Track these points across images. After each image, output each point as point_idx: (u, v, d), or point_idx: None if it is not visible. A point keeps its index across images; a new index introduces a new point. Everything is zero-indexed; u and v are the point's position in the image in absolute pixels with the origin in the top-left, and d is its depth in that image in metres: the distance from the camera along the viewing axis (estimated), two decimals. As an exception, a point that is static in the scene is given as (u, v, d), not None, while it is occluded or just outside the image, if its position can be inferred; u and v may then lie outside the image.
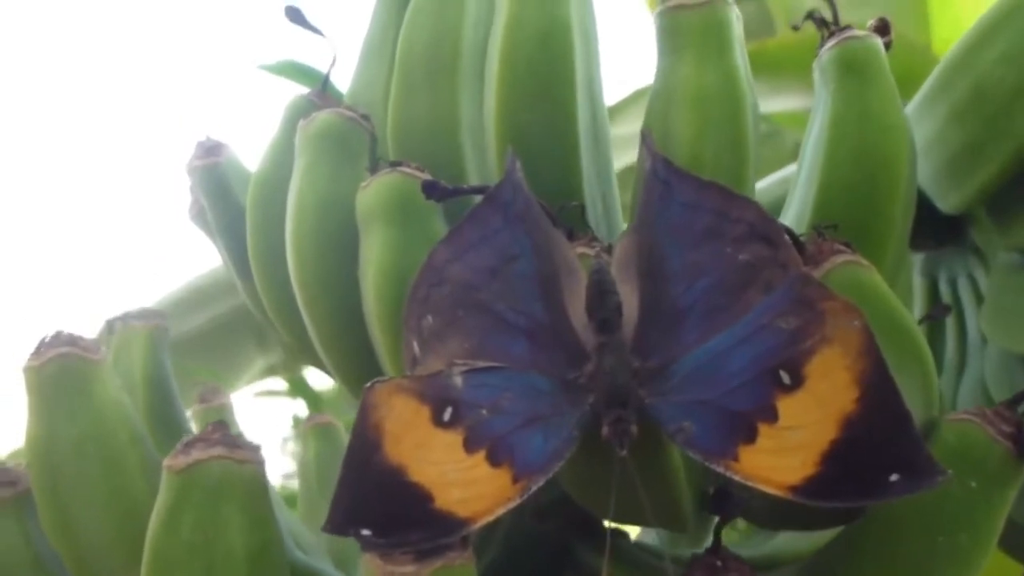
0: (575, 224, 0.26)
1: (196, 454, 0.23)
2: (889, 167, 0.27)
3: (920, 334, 0.26)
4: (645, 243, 0.23)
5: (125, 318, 0.37)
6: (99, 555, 0.27)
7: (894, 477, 0.21)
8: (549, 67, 0.26)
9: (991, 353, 0.41)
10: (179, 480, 0.23)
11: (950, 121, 0.34)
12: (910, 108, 0.36)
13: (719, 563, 0.24)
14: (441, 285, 0.23)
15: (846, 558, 0.27)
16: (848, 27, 0.29)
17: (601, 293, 0.22)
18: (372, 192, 0.26)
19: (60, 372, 0.27)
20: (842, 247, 0.25)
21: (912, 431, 0.21)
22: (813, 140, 0.28)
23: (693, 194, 0.23)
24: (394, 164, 0.26)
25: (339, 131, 0.29)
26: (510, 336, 0.23)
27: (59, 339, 0.28)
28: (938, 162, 0.35)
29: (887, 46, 0.31)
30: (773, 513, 0.30)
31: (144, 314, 0.37)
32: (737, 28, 0.26)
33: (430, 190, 0.24)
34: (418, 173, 0.26)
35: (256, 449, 0.24)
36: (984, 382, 0.42)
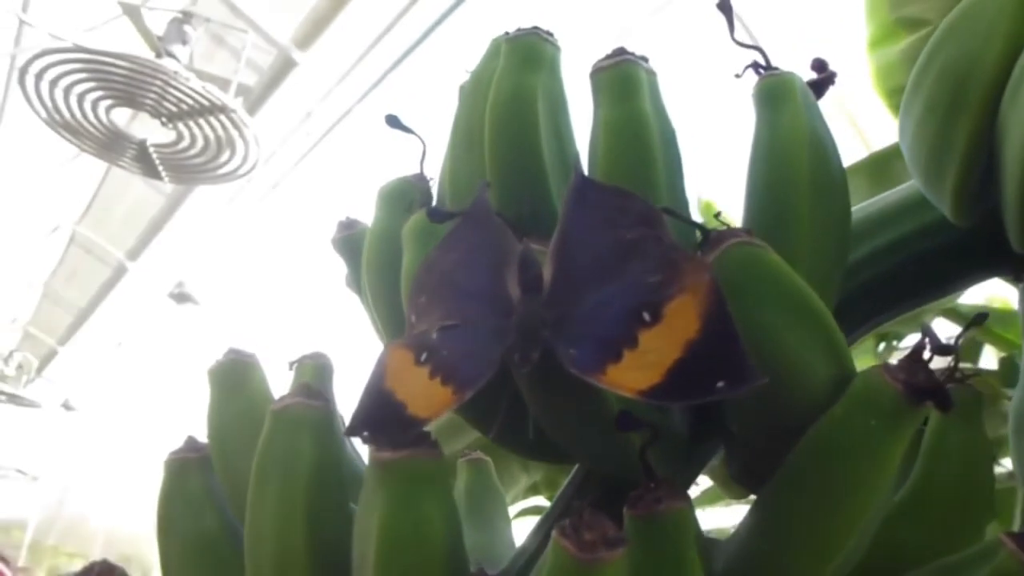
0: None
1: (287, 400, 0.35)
2: (787, 170, 0.34)
3: (815, 300, 0.32)
4: (563, 233, 0.32)
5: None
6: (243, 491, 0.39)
7: (721, 383, 0.27)
8: (517, 121, 0.36)
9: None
10: (272, 416, 0.35)
11: (914, 137, 0.38)
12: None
13: (651, 485, 0.31)
14: (431, 274, 0.34)
15: (774, 491, 0.32)
16: (775, 68, 0.37)
17: (523, 267, 0.32)
18: (408, 224, 0.37)
19: (228, 368, 0.42)
20: (742, 234, 0.32)
21: (738, 351, 0.28)
22: (748, 156, 0.36)
23: (598, 195, 0.32)
24: (420, 206, 0.37)
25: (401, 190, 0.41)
26: (468, 302, 0.33)
27: (230, 351, 0.42)
28: (922, 173, 0.40)
29: (826, 81, 0.38)
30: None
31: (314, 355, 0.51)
32: (645, 78, 0.35)
33: (433, 215, 0.35)
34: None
35: (324, 398, 0.36)
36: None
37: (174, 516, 0.40)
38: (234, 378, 0.42)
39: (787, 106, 0.35)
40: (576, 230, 0.32)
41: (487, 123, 0.36)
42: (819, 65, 0.38)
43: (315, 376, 0.49)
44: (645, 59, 0.35)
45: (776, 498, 0.32)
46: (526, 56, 0.37)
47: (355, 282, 0.50)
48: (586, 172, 0.35)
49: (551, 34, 0.38)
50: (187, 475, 0.41)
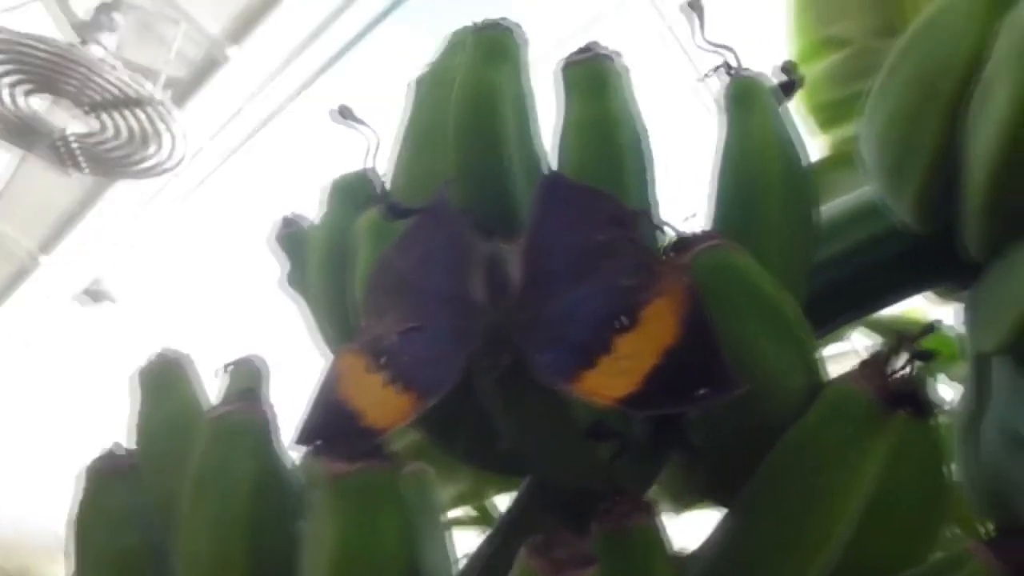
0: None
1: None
2: (758, 173, 0.33)
3: (792, 307, 0.31)
4: (533, 233, 0.31)
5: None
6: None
7: (702, 391, 0.26)
8: (483, 117, 0.34)
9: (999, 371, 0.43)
10: (210, 424, 0.32)
11: (879, 141, 0.38)
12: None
13: (618, 499, 0.30)
14: (388, 274, 0.32)
15: (748, 501, 0.31)
16: (744, 69, 0.36)
17: (490, 268, 0.30)
18: (361, 220, 0.35)
19: (158, 370, 0.39)
20: (713, 237, 0.31)
21: (718, 358, 0.27)
22: (715, 158, 0.35)
23: (569, 193, 0.31)
24: (376, 201, 0.35)
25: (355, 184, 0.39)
26: (429, 303, 0.31)
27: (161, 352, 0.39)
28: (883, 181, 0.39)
29: (792, 84, 0.37)
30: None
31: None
32: (615, 75, 0.34)
33: (391, 211, 0.33)
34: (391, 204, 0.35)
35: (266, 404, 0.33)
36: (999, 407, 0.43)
37: (91, 531, 0.37)
38: (165, 381, 0.39)
39: (758, 108, 0.34)
40: (547, 230, 0.31)
41: (452, 118, 0.35)
42: (786, 68, 0.37)
43: (250, 381, 0.46)
44: (617, 55, 0.34)
45: (751, 509, 0.31)
46: (492, 50, 0.35)
47: (297, 281, 0.47)
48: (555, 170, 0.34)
49: (518, 27, 0.36)
50: (108, 486, 0.38)
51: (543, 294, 0.29)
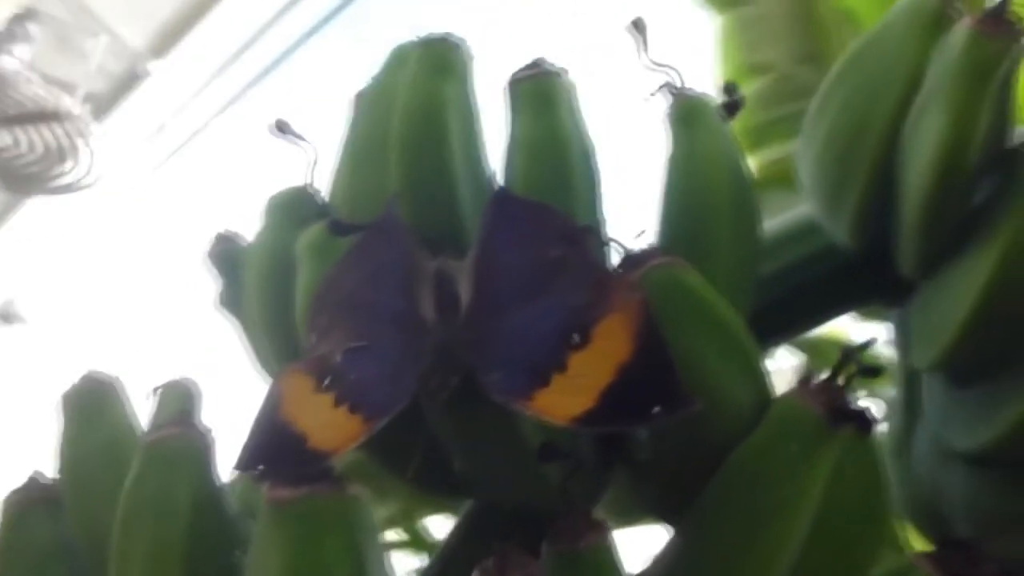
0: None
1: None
2: (708, 190, 0.33)
3: (740, 325, 0.31)
4: (482, 250, 0.30)
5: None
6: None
7: (657, 408, 0.26)
8: (429, 133, 0.34)
9: (930, 387, 0.44)
10: (144, 450, 0.31)
11: (816, 162, 0.39)
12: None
13: (570, 519, 0.29)
14: (333, 292, 0.31)
15: (696, 520, 0.31)
16: (687, 89, 0.36)
17: (438, 285, 0.29)
18: (303, 237, 0.34)
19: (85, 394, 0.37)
20: (662, 254, 0.31)
21: (673, 374, 0.26)
22: (661, 176, 0.35)
23: (519, 210, 0.31)
24: (321, 217, 0.34)
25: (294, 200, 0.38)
26: (376, 322, 0.30)
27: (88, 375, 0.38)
28: (820, 201, 0.40)
29: (735, 103, 0.38)
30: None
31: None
32: (564, 91, 0.34)
33: (335, 228, 0.32)
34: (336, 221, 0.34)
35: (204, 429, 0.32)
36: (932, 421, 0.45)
37: (12, 567, 0.35)
38: (92, 405, 0.37)
39: (704, 127, 0.34)
40: (496, 246, 0.30)
41: (397, 134, 0.34)
42: (728, 88, 0.38)
43: (181, 404, 0.44)
44: (565, 71, 0.34)
45: (699, 527, 0.31)
46: (439, 65, 0.35)
47: (232, 301, 0.45)
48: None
49: (464, 42, 0.36)
50: (30, 518, 0.36)
51: (494, 311, 0.29)
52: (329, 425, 0.28)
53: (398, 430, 0.29)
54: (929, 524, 0.43)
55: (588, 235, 0.30)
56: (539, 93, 0.33)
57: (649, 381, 0.27)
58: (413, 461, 0.31)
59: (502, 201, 0.31)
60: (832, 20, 1.41)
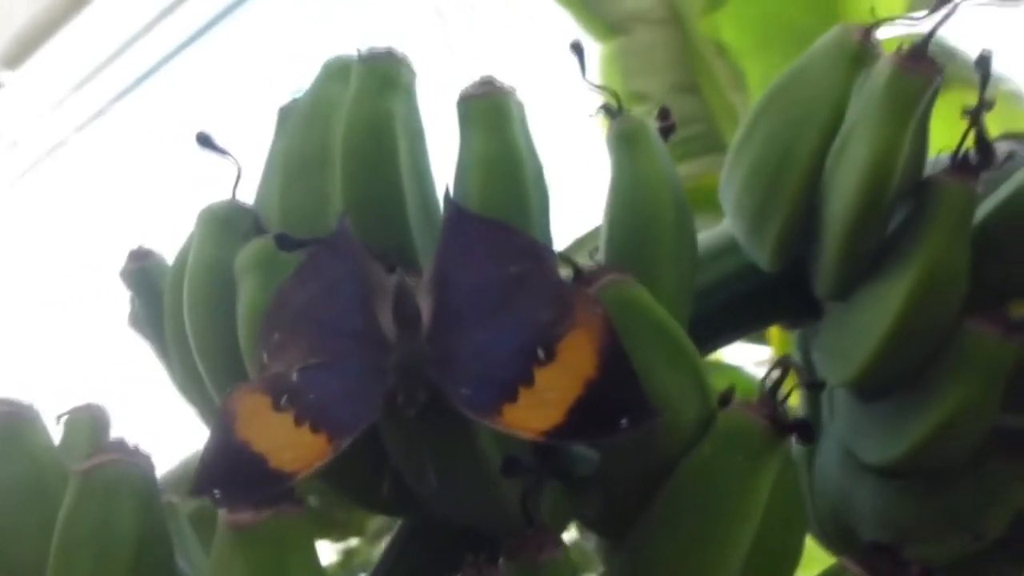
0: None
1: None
2: (653, 209, 0.35)
3: (686, 339, 0.32)
4: (441, 266, 0.30)
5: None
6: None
7: (623, 421, 0.27)
8: (377, 149, 0.34)
9: (838, 402, 0.47)
10: (80, 479, 0.29)
11: (741, 191, 0.41)
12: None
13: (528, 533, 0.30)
14: (285, 309, 0.30)
15: (645, 532, 0.32)
16: (625, 113, 0.37)
17: (399, 301, 0.29)
18: (245, 252, 0.33)
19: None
20: (614, 272, 0.32)
21: (638, 387, 0.27)
22: (605, 195, 0.36)
23: (477, 228, 0.31)
24: (263, 233, 0.33)
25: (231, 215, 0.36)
26: (334, 339, 0.29)
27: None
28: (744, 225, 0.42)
29: (670, 128, 0.39)
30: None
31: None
32: (516, 110, 0.34)
33: (282, 242, 0.32)
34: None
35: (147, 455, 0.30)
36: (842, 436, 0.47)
37: None
38: (9, 435, 0.34)
39: (645, 148, 0.36)
40: (454, 263, 0.30)
41: (342, 150, 0.34)
42: (663, 113, 0.39)
43: (92, 431, 0.42)
44: (514, 89, 0.35)
45: (648, 539, 0.32)
46: (384, 81, 0.35)
47: (147, 320, 0.43)
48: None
49: (407, 58, 0.36)
50: None
51: (456, 327, 0.29)
52: (291, 445, 0.27)
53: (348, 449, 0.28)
54: (835, 535, 0.46)
55: (548, 252, 0.30)
56: (492, 110, 0.34)
57: (615, 394, 0.27)
58: (354, 477, 0.31)
59: (459, 218, 0.31)
60: (707, 52, 1.48)
